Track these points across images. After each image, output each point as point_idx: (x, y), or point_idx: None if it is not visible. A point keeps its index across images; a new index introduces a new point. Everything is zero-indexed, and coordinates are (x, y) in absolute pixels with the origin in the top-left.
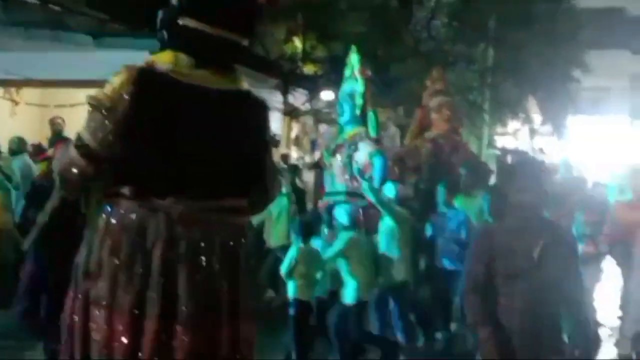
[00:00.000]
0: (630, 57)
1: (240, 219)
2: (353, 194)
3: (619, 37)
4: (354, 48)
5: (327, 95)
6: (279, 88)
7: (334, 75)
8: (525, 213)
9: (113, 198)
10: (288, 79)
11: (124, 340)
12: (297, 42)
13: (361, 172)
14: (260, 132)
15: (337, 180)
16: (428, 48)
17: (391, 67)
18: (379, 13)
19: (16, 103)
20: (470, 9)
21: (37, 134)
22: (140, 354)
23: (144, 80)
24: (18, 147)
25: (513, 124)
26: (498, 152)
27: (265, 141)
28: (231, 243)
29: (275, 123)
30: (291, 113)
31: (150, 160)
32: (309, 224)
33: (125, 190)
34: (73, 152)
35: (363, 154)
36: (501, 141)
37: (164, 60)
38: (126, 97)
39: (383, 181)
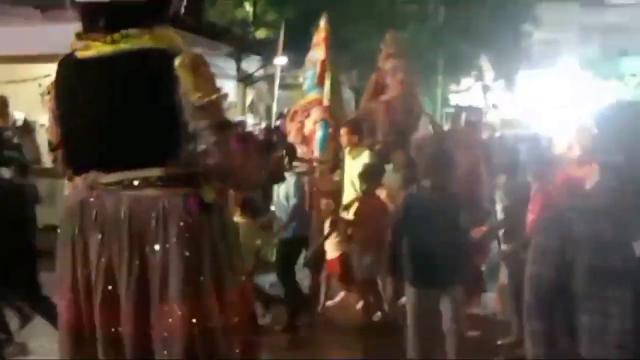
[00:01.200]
0: (578, 9)
1: (159, 191)
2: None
3: None
4: (324, 15)
5: (280, 60)
6: (232, 55)
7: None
8: None
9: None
10: (240, 45)
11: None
12: (248, 7)
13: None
14: (164, 92)
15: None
16: (379, 8)
17: (344, 29)
18: None
19: None
20: None
21: None
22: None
23: (62, 63)
24: None
25: (466, 81)
26: (452, 110)
27: (173, 101)
28: (141, 216)
29: (230, 90)
30: (245, 80)
31: (65, 140)
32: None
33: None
34: None
35: (311, 120)
36: (455, 99)
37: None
38: (53, 85)
39: (324, 149)
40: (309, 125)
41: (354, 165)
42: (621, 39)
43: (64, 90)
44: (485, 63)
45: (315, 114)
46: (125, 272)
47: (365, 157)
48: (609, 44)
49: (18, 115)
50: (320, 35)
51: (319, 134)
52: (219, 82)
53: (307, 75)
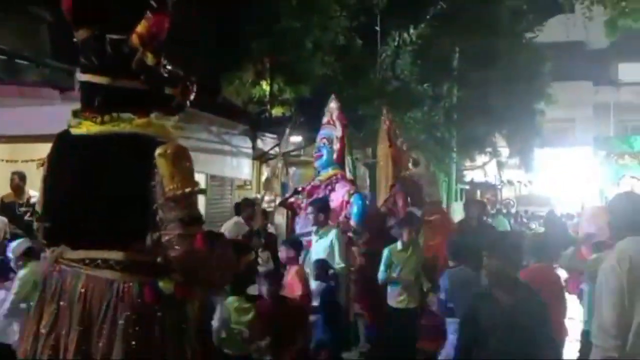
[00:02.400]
0: (592, 88)
1: (117, 273)
2: None
3: (580, 69)
4: (333, 96)
5: (295, 138)
6: (248, 133)
7: (301, 117)
8: None
9: None
10: (256, 124)
11: None
12: (264, 85)
13: (337, 211)
14: (139, 178)
15: (310, 221)
16: (393, 88)
17: (358, 108)
18: (344, 54)
19: None
20: (433, 49)
21: (6, 189)
22: None
23: (58, 138)
24: None
25: (481, 158)
26: (467, 187)
27: (146, 188)
28: (95, 297)
29: (246, 168)
30: (261, 157)
31: (45, 212)
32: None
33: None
34: None
35: (340, 193)
36: (470, 175)
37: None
38: (46, 159)
39: (362, 219)
40: (337, 198)
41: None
42: (634, 117)
43: (54, 164)
44: (499, 140)
45: (345, 187)
46: (72, 353)
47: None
48: (623, 121)
49: (33, 192)
50: (332, 114)
51: (357, 205)
52: (236, 161)
53: (323, 152)
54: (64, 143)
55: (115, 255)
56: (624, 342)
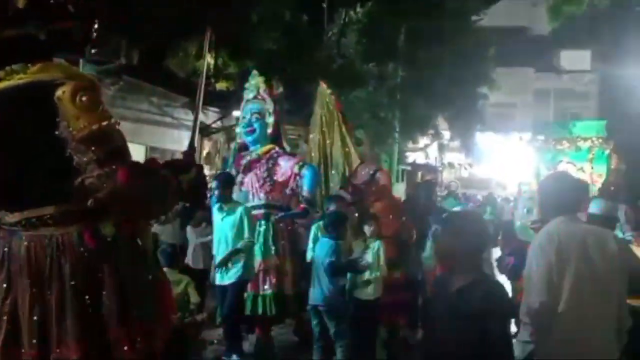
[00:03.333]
0: (533, 74)
1: (48, 229)
2: (273, 206)
3: (523, 55)
4: (254, 71)
5: (238, 112)
6: (190, 106)
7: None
8: None
9: None
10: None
11: None
12: (209, 59)
13: (284, 184)
14: (44, 126)
15: (253, 194)
16: (338, 66)
17: (302, 85)
18: (290, 30)
19: None
20: (380, 28)
21: None
22: None
23: None
24: None
25: (423, 140)
26: (409, 168)
27: (54, 135)
28: (38, 255)
29: (187, 140)
30: (203, 131)
31: None
32: None
33: None
34: None
35: (287, 166)
36: (412, 156)
37: None
38: None
39: (314, 189)
40: (285, 171)
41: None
42: (574, 104)
43: None
44: (442, 122)
45: (292, 159)
46: (27, 315)
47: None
48: (563, 108)
49: None
50: (259, 89)
51: (309, 175)
52: (177, 133)
53: (255, 127)
54: None
55: (47, 210)
56: (552, 321)
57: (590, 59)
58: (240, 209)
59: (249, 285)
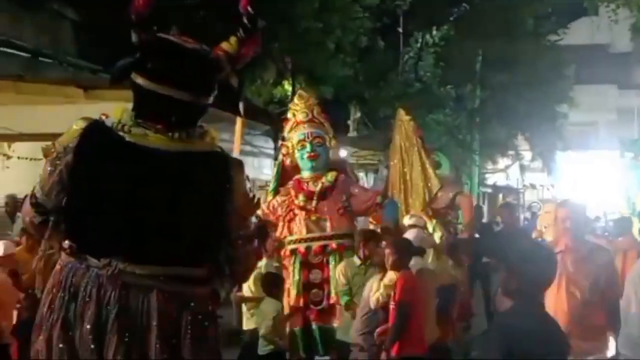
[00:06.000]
0: (616, 91)
1: (190, 288)
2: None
3: (604, 72)
4: (301, 92)
5: None
6: (269, 133)
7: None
8: None
9: (62, 252)
10: (278, 124)
11: None
12: (287, 86)
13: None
14: (220, 197)
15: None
16: (416, 90)
17: (380, 110)
18: (366, 55)
19: (8, 157)
20: (456, 51)
21: (30, 187)
22: None
23: (91, 133)
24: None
25: (503, 161)
26: (490, 190)
27: (223, 209)
28: (174, 313)
29: (267, 169)
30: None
31: (88, 216)
32: None
33: (66, 245)
34: (27, 201)
35: (366, 196)
36: (493, 178)
37: (114, 114)
38: (71, 148)
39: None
40: (362, 198)
41: None
42: None
43: (91, 162)
44: (521, 143)
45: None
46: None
47: None
48: None
49: None
50: (312, 111)
51: (391, 209)
52: (257, 161)
53: (319, 152)
54: (113, 145)
55: (191, 272)
56: None
57: None
58: None
59: None
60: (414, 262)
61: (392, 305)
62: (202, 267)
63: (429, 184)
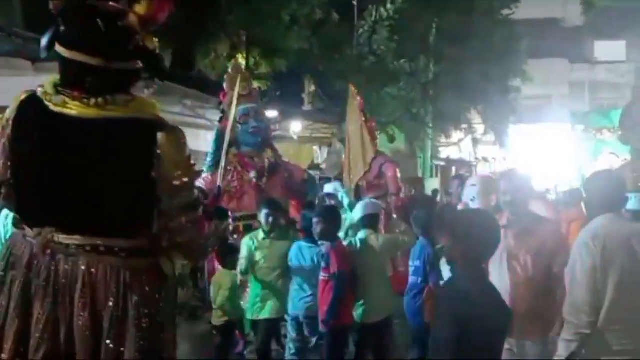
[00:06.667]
0: (568, 65)
1: (122, 260)
2: None
3: (556, 46)
4: (236, 62)
5: (271, 112)
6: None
7: (277, 91)
8: None
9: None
10: None
11: None
12: (241, 59)
13: None
14: (144, 166)
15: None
16: (370, 63)
17: (334, 83)
18: (321, 29)
19: None
20: (410, 24)
21: None
22: None
23: (25, 104)
24: None
25: (457, 134)
26: (443, 163)
27: (151, 176)
28: (99, 282)
29: None
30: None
31: (23, 187)
32: None
33: (15, 217)
34: None
35: (298, 174)
36: (446, 151)
37: (46, 83)
38: (10, 122)
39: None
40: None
41: None
42: (609, 95)
43: (24, 133)
44: (474, 116)
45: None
46: (80, 339)
47: None
48: (598, 99)
49: None
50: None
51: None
52: (211, 135)
53: (262, 127)
54: (39, 115)
55: (120, 242)
56: (597, 319)
57: (626, 49)
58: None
59: None
60: (363, 234)
61: (324, 277)
62: (135, 239)
63: (366, 156)
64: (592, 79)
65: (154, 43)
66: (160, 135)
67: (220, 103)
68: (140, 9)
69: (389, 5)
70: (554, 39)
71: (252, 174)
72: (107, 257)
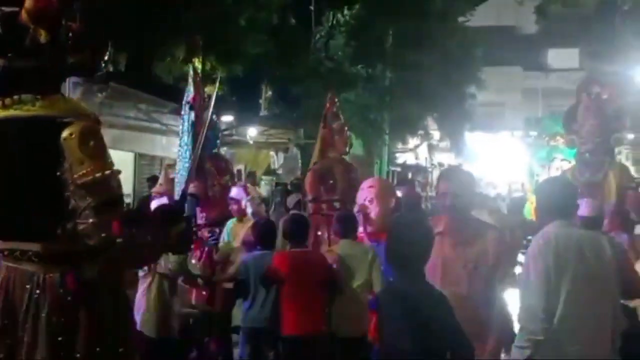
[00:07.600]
0: (521, 72)
1: (36, 265)
2: None
3: (510, 54)
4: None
5: (226, 117)
6: (179, 111)
7: (233, 96)
8: None
9: None
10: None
11: None
12: (197, 63)
13: None
14: (48, 165)
15: None
16: (327, 68)
17: (291, 88)
18: (278, 33)
19: None
20: (367, 30)
21: None
22: None
23: None
24: None
25: (413, 141)
26: (399, 169)
27: (56, 176)
28: (16, 289)
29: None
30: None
31: None
32: None
33: None
34: None
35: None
36: (402, 157)
37: None
38: None
39: None
40: None
41: None
42: (562, 102)
43: None
44: (431, 123)
45: None
46: None
47: None
48: (551, 106)
49: None
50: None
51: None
52: (166, 139)
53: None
54: None
55: (33, 246)
56: (550, 325)
57: (579, 57)
58: None
59: None
60: None
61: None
62: (50, 243)
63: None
64: (545, 86)
65: (45, 36)
66: (64, 132)
67: (192, 107)
68: (27, 3)
69: (345, 11)
70: (508, 47)
71: (227, 178)
72: (24, 263)
